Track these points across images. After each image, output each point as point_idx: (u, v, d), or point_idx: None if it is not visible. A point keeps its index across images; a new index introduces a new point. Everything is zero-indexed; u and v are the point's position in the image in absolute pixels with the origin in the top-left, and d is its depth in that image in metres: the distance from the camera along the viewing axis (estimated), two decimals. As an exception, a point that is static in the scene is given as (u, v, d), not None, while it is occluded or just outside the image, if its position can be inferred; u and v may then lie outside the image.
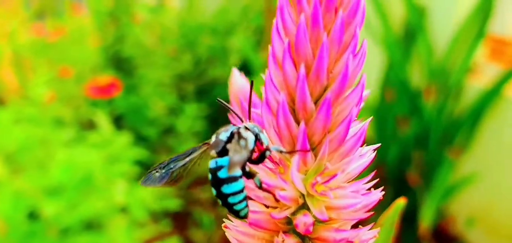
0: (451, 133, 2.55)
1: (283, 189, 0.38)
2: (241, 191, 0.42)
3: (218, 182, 0.43)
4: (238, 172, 0.42)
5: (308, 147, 0.38)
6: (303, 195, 0.40)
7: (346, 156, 0.40)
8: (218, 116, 3.01)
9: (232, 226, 0.44)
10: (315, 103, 0.38)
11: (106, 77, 2.37)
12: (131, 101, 2.71)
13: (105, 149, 2.08)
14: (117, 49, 2.94)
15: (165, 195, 2.29)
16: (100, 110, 2.29)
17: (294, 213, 0.40)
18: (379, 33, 2.49)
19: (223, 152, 0.44)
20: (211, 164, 0.45)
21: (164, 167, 0.49)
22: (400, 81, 2.56)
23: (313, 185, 0.39)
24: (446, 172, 2.53)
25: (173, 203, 2.22)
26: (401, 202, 0.56)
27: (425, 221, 2.52)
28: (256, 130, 0.43)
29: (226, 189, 0.42)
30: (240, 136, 0.43)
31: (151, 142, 2.69)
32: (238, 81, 0.54)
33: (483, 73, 2.55)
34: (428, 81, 2.60)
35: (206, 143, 0.48)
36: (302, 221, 0.39)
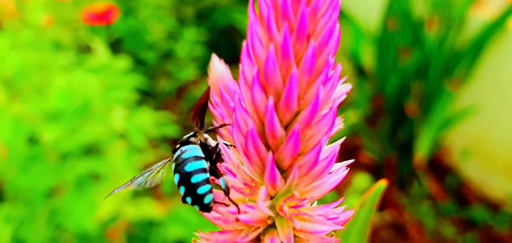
0: (452, 65, 2.54)
1: (246, 212, 0.38)
2: (204, 170, 0.43)
3: (182, 163, 0.44)
4: (201, 153, 0.45)
5: (276, 174, 0.37)
6: (271, 216, 0.40)
7: (317, 178, 0.40)
8: (218, 41, 2.98)
9: (203, 242, 0.43)
10: (286, 128, 0.38)
11: (102, 4, 2.33)
12: (129, 25, 2.68)
13: (103, 74, 2.07)
14: (115, -28, 2.87)
15: (165, 121, 2.29)
16: (98, 34, 2.26)
17: (263, 233, 0.40)
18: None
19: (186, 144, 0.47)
20: (176, 152, 0.46)
21: (141, 176, 0.50)
22: (403, 11, 2.52)
23: (282, 209, 0.39)
24: (444, 103, 2.53)
25: (172, 129, 2.23)
26: (382, 184, 0.56)
27: (421, 151, 2.55)
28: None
29: (189, 167, 0.43)
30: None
31: (149, 66, 2.68)
32: (217, 68, 0.53)
33: (487, 5, 2.50)
34: (431, 12, 2.56)
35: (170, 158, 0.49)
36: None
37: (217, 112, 0.52)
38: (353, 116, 2.58)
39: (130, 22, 2.68)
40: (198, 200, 0.42)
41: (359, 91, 2.68)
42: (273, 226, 0.40)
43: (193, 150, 0.45)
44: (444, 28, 2.52)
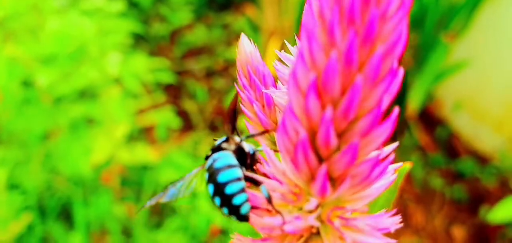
0: (448, 17, 2.53)
1: (291, 223, 0.37)
2: (239, 179, 0.41)
3: (215, 172, 0.42)
4: (234, 161, 0.43)
5: (327, 186, 0.36)
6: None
7: (367, 187, 0.38)
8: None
9: None
10: (339, 136, 0.35)
11: None
12: (123, -34, 2.62)
13: (97, 17, 2.04)
14: None
15: (159, 67, 2.28)
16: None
17: (306, 241, 0.39)
18: None
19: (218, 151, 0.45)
20: (208, 161, 0.44)
21: (172, 187, 0.49)
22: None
23: (329, 217, 0.38)
24: (439, 56, 2.53)
25: (167, 75, 2.22)
26: (406, 166, 0.56)
27: (413, 103, 2.56)
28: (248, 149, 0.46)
29: (223, 177, 0.41)
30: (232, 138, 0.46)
31: (143, 10, 2.64)
32: (246, 49, 0.50)
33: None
34: (430, -37, 2.53)
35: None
36: None
37: (245, 96, 0.50)
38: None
39: (124, -37, 2.62)
40: (234, 211, 0.40)
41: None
42: (317, 234, 0.39)
43: (226, 158, 0.43)
44: (443, -20, 2.50)
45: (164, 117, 2.25)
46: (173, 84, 2.45)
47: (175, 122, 2.22)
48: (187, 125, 2.54)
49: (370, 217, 0.39)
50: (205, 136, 2.51)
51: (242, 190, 0.41)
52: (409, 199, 2.41)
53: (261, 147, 0.45)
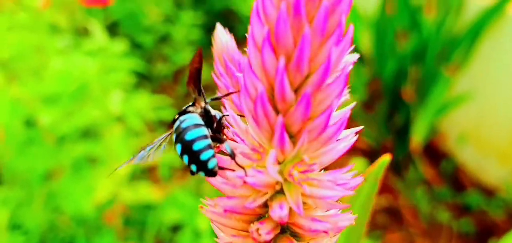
0: (449, 50, 2.54)
1: (253, 176, 0.38)
2: (205, 137, 0.43)
3: (182, 132, 0.44)
4: (200, 121, 0.45)
5: (285, 138, 0.36)
6: (280, 182, 0.39)
7: (326, 144, 0.39)
8: (215, 24, 2.97)
9: (210, 208, 0.43)
10: (295, 91, 0.37)
11: (101, -16, 2.32)
12: (126, 7, 2.67)
13: (100, 57, 2.07)
14: (112, -47, 2.85)
15: (162, 105, 2.30)
16: (95, 17, 2.25)
17: (271, 198, 0.39)
18: None
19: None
20: (176, 123, 0.46)
21: (142, 150, 0.50)
22: (401, -4, 2.52)
23: (291, 174, 0.39)
24: (441, 88, 2.53)
25: (168, 112, 2.23)
26: (386, 159, 0.56)
27: (417, 136, 2.55)
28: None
29: (190, 135, 0.43)
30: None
31: (146, 50, 2.67)
32: (222, 39, 0.52)
33: (486, -10, 2.50)
34: (429, -4, 2.56)
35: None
36: (277, 213, 0.38)
37: (221, 83, 0.51)
38: (349, 102, 2.58)
39: (127, 4, 2.67)
40: (202, 166, 0.42)
41: (355, 76, 2.68)
42: (281, 192, 0.40)
43: (192, 118, 0.45)
44: (442, 13, 2.51)
45: (167, 156, 2.25)
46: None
47: (178, 161, 2.22)
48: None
49: (330, 172, 0.40)
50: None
51: (209, 146, 0.42)
52: (416, 233, 2.39)
53: (226, 113, 0.46)
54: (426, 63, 2.57)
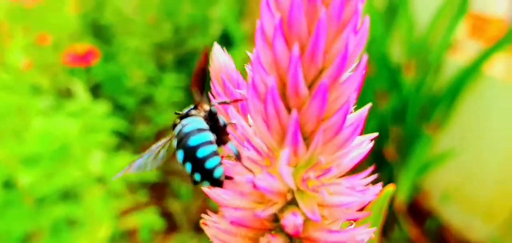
0: (429, 109, 2.57)
1: (264, 180, 0.34)
2: (211, 142, 0.39)
3: (185, 137, 0.40)
4: (205, 125, 0.41)
5: (299, 137, 0.34)
6: (291, 190, 0.36)
7: (342, 147, 0.36)
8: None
9: (213, 224, 0.40)
10: (309, 87, 0.34)
11: (84, 45, 2.33)
12: (109, 70, 2.67)
13: (82, 118, 2.05)
14: (95, 17, 2.88)
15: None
16: (78, 78, 2.25)
17: (281, 210, 0.36)
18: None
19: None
20: (177, 127, 0.43)
21: (140, 158, 0.46)
22: (381, 56, 2.56)
23: (304, 180, 0.36)
24: (422, 147, 2.55)
25: (151, 174, 2.20)
26: (390, 189, 0.54)
27: (401, 195, 2.55)
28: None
29: (193, 141, 0.39)
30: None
31: (129, 111, 2.66)
32: (219, 58, 0.50)
33: (463, 50, 2.56)
34: (408, 56, 2.61)
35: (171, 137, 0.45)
36: (292, 221, 0.35)
37: (219, 103, 0.49)
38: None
39: (110, 67, 2.67)
40: (207, 175, 0.38)
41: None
42: (292, 203, 0.36)
43: (196, 122, 0.41)
44: (421, 73, 2.56)
45: (148, 219, 2.20)
46: (158, 182, 2.43)
47: (159, 223, 2.18)
48: (172, 226, 2.48)
49: (347, 178, 0.37)
50: (190, 238, 2.45)
51: (214, 153, 0.39)
52: None
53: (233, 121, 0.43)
54: (407, 122, 2.59)
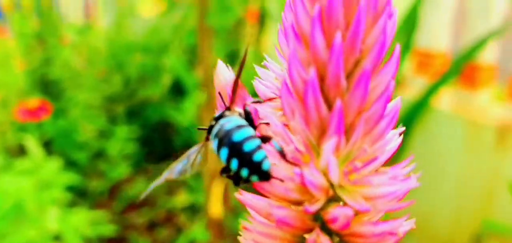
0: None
1: (311, 175, 0.34)
2: (254, 136, 0.38)
3: (227, 134, 0.39)
4: (244, 122, 0.40)
5: (342, 128, 0.34)
6: (332, 186, 0.35)
7: (379, 139, 0.36)
8: (151, 137, 2.95)
9: (252, 227, 0.39)
10: (347, 78, 0.34)
11: (34, 100, 2.27)
12: (59, 125, 2.60)
13: (35, 175, 1.99)
14: (43, 72, 2.82)
15: (100, 221, 2.20)
16: (29, 135, 2.18)
17: (323, 207, 0.35)
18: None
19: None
20: (213, 130, 0.41)
21: (179, 163, 0.45)
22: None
23: (346, 173, 0.35)
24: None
25: (108, 229, 2.14)
26: None
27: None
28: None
29: (238, 136, 0.38)
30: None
31: (81, 167, 2.59)
32: (224, 74, 0.50)
33: (410, 86, 2.64)
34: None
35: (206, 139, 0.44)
36: (343, 213, 0.34)
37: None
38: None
39: (60, 122, 2.61)
40: (256, 169, 0.37)
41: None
42: (334, 199, 0.36)
43: (234, 120, 0.40)
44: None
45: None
46: (115, 237, 2.36)
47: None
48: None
49: (389, 168, 0.37)
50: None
51: (260, 147, 0.37)
52: None
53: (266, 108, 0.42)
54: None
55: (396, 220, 0.36)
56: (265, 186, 0.37)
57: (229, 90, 0.51)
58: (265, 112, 0.40)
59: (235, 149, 0.38)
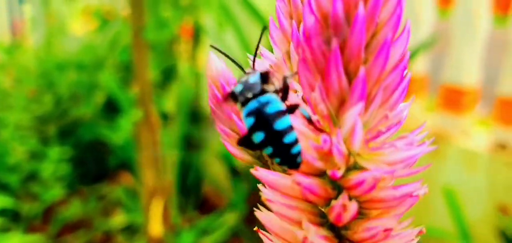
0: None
1: (335, 144, 0.35)
2: (293, 128, 0.38)
3: (268, 119, 0.38)
4: (284, 106, 0.39)
5: (365, 95, 0.35)
6: (351, 153, 0.36)
7: (394, 107, 0.37)
8: (84, 157, 2.87)
9: (277, 200, 0.38)
10: (365, 48, 0.36)
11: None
12: (-13, 148, 2.48)
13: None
14: (-31, 94, 2.69)
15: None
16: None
17: (343, 175, 0.36)
18: (243, 62, 2.55)
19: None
20: (252, 104, 0.39)
21: None
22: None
23: (366, 141, 0.36)
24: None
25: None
26: None
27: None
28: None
29: (279, 124, 0.37)
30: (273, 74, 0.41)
31: (13, 190, 2.48)
32: (216, 64, 0.51)
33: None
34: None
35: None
36: (370, 176, 0.35)
37: (220, 110, 0.49)
38: (232, 218, 2.60)
39: (-12, 144, 2.49)
40: (289, 160, 0.37)
41: (235, 191, 2.70)
42: (354, 168, 0.37)
43: (274, 102, 0.39)
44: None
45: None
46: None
47: None
48: None
49: (404, 135, 0.38)
50: None
51: (297, 140, 0.37)
52: None
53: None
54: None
55: (414, 183, 0.38)
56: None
57: (221, 80, 0.51)
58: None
59: (274, 138, 0.37)
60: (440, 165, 2.20)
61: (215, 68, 0.51)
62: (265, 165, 0.51)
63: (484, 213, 2.11)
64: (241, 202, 2.66)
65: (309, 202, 0.37)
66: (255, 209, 0.41)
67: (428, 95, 2.50)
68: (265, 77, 0.41)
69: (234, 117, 0.50)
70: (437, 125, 2.32)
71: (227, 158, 2.71)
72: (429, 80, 2.46)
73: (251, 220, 2.70)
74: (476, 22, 2.16)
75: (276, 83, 0.41)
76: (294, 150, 0.37)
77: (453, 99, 2.26)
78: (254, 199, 2.73)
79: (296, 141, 0.37)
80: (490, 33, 2.24)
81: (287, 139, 0.37)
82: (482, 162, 2.11)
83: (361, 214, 0.38)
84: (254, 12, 2.47)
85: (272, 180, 0.39)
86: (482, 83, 2.29)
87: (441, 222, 2.04)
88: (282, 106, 0.39)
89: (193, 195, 2.96)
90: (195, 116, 3.02)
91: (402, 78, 0.37)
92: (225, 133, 0.50)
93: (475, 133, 2.26)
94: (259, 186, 0.40)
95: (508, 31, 2.13)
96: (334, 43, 0.34)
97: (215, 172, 3.03)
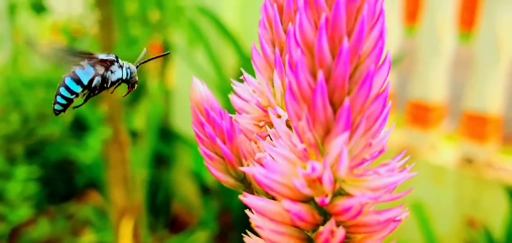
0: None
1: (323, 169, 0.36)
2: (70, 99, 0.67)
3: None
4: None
5: (350, 124, 0.36)
6: (337, 180, 0.37)
7: (375, 135, 0.39)
8: (52, 176, 2.83)
9: (266, 226, 0.40)
10: (349, 79, 0.37)
11: None
12: (-48, 168, 2.42)
13: None
14: None
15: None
16: None
17: (331, 201, 0.37)
18: (213, 80, 2.55)
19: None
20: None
21: None
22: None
23: (351, 168, 0.38)
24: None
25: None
26: None
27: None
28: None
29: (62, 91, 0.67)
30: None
31: (-22, 211, 2.42)
32: (200, 89, 0.52)
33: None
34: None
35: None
36: (356, 202, 0.36)
37: (203, 133, 0.50)
38: (203, 236, 2.59)
39: (-47, 164, 2.43)
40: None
41: (205, 210, 2.70)
42: (339, 194, 0.38)
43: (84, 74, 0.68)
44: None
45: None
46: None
47: None
48: None
49: (386, 162, 0.40)
50: None
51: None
52: None
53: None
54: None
55: (396, 208, 0.39)
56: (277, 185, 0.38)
57: (205, 105, 0.52)
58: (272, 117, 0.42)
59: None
60: (408, 180, 2.24)
61: (199, 93, 0.52)
62: (248, 188, 0.52)
63: (452, 227, 2.15)
64: (211, 220, 2.65)
65: (297, 227, 0.38)
66: (243, 235, 0.42)
67: (395, 112, 2.55)
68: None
69: (218, 141, 0.51)
70: (405, 140, 2.36)
71: (197, 176, 2.70)
72: (397, 96, 2.51)
73: (221, 239, 2.69)
74: (442, 39, 2.21)
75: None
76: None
77: (420, 115, 2.31)
78: (224, 218, 2.73)
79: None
80: (455, 50, 2.29)
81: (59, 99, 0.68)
82: (450, 176, 2.15)
83: (346, 238, 0.39)
84: (224, 30, 2.49)
85: (261, 207, 0.40)
86: (449, 99, 2.34)
87: (410, 236, 2.08)
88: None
89: (163, 214, 2.94)
90: (164, 134, 3.01)
91: (384, 106, 0.38)
92: (209, 157, 0.51)
93: (443, 148, 2.31)
94: (247, 212, 0.41)
95: (472, 47, 2.19)
96: (320, 75, 0.35)
97: (185, 190, 3.01)
